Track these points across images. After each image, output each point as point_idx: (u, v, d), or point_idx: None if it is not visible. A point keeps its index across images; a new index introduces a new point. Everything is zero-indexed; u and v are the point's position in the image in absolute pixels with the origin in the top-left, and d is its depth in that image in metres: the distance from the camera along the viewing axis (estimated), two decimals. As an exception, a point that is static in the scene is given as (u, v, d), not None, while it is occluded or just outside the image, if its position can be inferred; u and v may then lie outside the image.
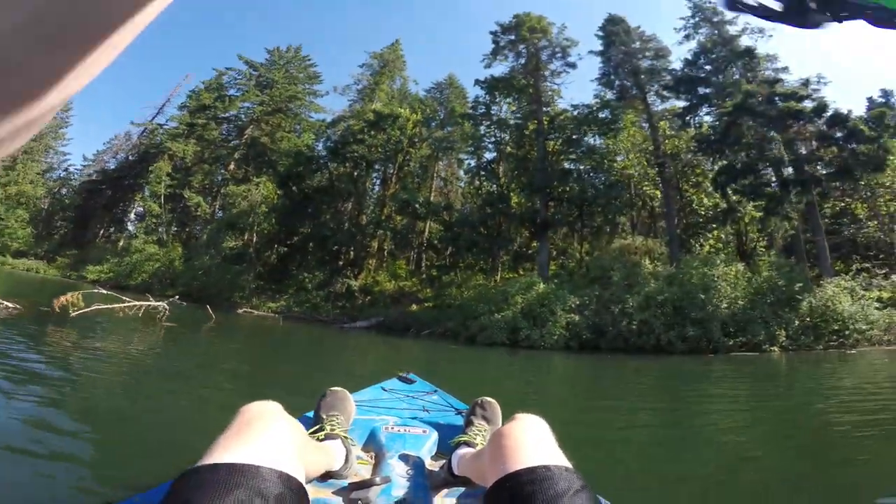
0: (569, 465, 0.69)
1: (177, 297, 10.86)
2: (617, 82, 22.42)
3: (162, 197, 27.72)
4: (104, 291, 7.00)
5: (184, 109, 31.99)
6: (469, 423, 1.32)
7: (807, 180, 15.81)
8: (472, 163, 22.11)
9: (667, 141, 21.45)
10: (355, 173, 22.60)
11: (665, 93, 21.52)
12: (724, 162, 19.13)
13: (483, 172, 20.75)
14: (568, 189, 19.04)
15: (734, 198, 18.15)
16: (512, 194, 19.91)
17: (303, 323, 16.84)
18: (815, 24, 0.29)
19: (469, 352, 10.83)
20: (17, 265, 28.11)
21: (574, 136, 19.86)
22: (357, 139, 21.58)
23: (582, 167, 20.28)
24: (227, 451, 0.60)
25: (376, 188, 24.91)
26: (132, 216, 33.56)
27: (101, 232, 33.69)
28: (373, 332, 15.69)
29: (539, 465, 0.67)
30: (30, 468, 1.86)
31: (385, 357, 9.20)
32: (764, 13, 0.29)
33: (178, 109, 32.96)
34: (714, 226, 20.94)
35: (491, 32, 22.06)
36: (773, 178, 17.57)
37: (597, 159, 19.94)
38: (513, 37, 21.74)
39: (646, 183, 22.63)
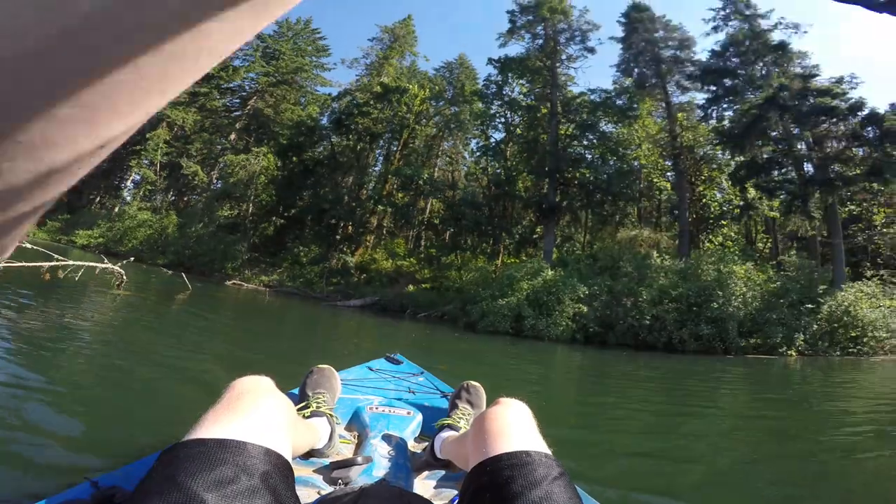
0: (548, 451, 0.66)
1: (129, 260, 9.55)
2: (637, 70, 21.25)
3: (158, 164, 26.37)
4: (28, 245, 5.66)
5: (186, 78, 30.69)
6: (454, 406, 1.27)
7: (833, 180, 14.72)
8: (480, 142, 20.84)
9: (683, 133, 20.31)
10: (358, 146, 21.30)
11: (687, 83, 20.35)
12: (742, 158, 18.21)
13: (490, 152, 19.46)
14: (578, 175, 17.85)
15: (753, 194, 17.14)
16: (519, 177, 18.70)
17: (295, 299, 15.74)
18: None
19: (469, 339, 9.76)
20: (7, 225, 26.93)
21: (589, 122, 18.62)
22: (362, 111, 20.25)
23: (592, 154, 19.10)
24: (216, 425, 0.58)
25: (379, 165, 23.59)
26: (129, 184, 32.23)
27: (98, 199, 32.37)
28: (367, 311, 14.61)
29: (520, 450, 0.64)
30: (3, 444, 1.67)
31: (379, 339, 8.10)
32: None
33: (180, 78, 31.69)
34: (724, 222, 19.96)
35: (508, 11, 20.69)
36: (796, 176, 16.62)
37: (610, 146, 18.75)
38: (531, 17, 20.38)
39: (655, 174, 21.52)
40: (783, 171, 16.77)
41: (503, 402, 0.81)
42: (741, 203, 17.90)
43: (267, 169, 22.97)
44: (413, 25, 29.63)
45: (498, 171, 19.35)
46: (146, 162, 27.58)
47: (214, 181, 26.89)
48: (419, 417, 1.40)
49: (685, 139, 20.12)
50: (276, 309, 11.18)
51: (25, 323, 3.90)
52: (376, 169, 23.44)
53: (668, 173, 21.64)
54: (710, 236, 19.39)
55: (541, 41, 20.62)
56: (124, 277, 6.73)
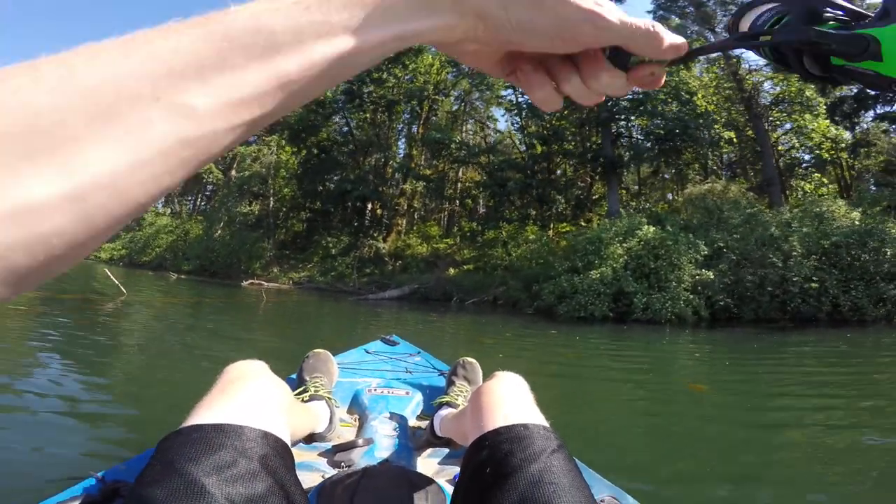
0: (546, 424, 0.62)
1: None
2: (674, 17, 17.10)
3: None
4: None
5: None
6: (450, 383, 1.19)
7: None
8: (512, 103, 17.08)
9: (748, 76, 16.16)
10: (377, 117, 17.90)
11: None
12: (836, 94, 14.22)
13: (525, 108, 15.73)
14: (641, 123, 14.00)
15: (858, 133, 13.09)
16: (567, 133, 14.92)
17: (319, 295, 12.62)
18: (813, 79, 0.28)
19: (557, 331, 6.33)
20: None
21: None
22: (374, 79, 16.81)
23: (652, 102, 15.14)
24: (212, 410, 0.54)
25: (402, 144, 20.12)
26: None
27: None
28: (405, 303, 11.36)
29: (517, 423, 0.60)
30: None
31: (438, 354, 4.77)
32: (768, 54, 0.29)
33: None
34: (812, 169, 15.79)
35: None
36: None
37: (667, 91, 14.74)
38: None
39: (717, 125, 17.41)
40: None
41: (498, 376, 0.75)
42: (848, 142, 13.72)
43: (286, 162, 20.03)
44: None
45: (539, 129, 15.59)
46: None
47: (234, 179, 24.18)
48: (418, 397, 1.31)
49: (749, 82, 16.02)
50: (271, 316, 7.84)
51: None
52: (400, 152, 20.05)
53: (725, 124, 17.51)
54: (803, 183, 15.28)
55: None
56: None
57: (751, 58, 16.90)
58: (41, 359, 2.92)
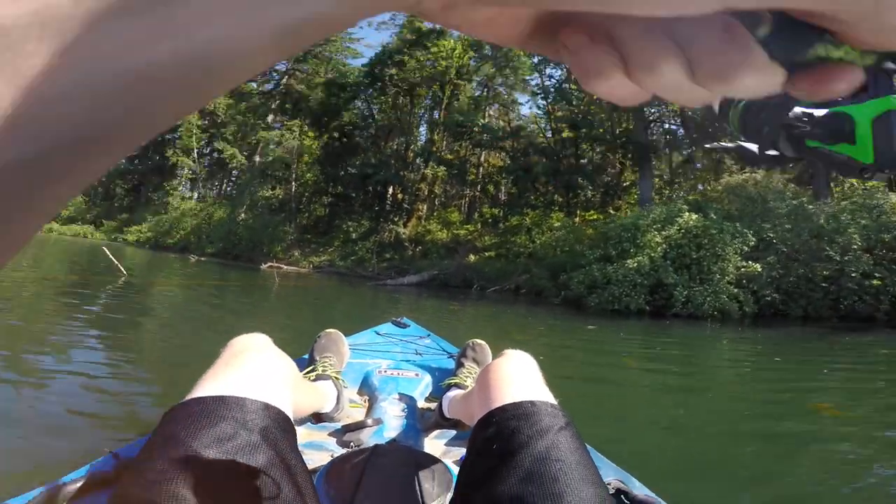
0: (554, 401, 0.60)
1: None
2: None
3: (195, 151, 23.76)
4: None
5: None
6: (460, 365, 1.19)
7: None
8: (538, 86, 16.33)
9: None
10: (399, 100, 17.44)
11: None
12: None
13: (553, 92, 14.98)
14: (668, 108, 13.13)
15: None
16: (596, 118, 14.18)
17: (345, 280, 12.41)
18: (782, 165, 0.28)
19: (591, 325, 5.88)
20: (66, 231, 25.49)
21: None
22: (395, 61, 16.31)
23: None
24: (214, 382, 0.54)
25: (423, 129, 19.59)
26: (184, 179, 30.27)
27: (154, 195, 30.79)
28: (424, 289, 11.03)
29: (524, 400, 0.59)
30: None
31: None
32: (740, 154, 0.27)
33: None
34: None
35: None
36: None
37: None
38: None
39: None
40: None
41: (507, 354, 0.73)
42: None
43: (309, 147, 19.84)
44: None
45: (568, 112, 14.86)
46: (179, 149, 25.03)
47: (257, 164, 24.18)
48: (427, 379, 1.30)
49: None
50: (285, 299, 7.65)
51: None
52: (421, 137, 19.56)
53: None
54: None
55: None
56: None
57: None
58: (50, 338, 2.84)
